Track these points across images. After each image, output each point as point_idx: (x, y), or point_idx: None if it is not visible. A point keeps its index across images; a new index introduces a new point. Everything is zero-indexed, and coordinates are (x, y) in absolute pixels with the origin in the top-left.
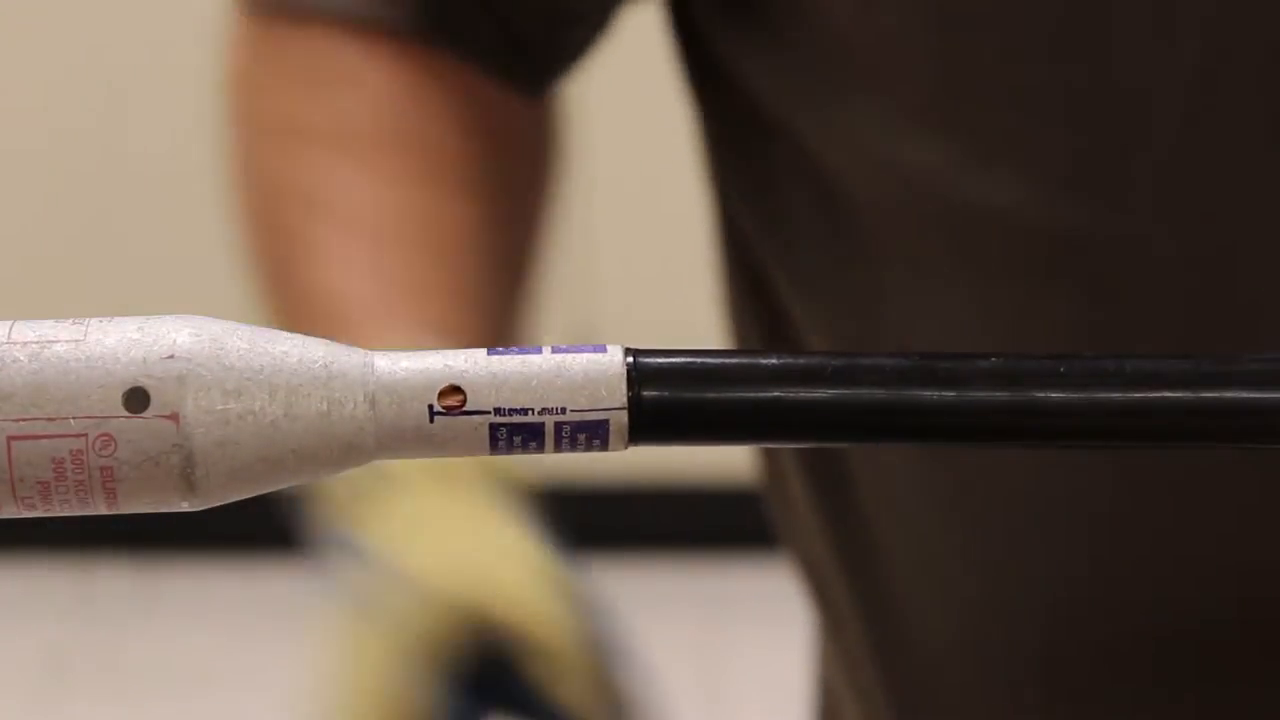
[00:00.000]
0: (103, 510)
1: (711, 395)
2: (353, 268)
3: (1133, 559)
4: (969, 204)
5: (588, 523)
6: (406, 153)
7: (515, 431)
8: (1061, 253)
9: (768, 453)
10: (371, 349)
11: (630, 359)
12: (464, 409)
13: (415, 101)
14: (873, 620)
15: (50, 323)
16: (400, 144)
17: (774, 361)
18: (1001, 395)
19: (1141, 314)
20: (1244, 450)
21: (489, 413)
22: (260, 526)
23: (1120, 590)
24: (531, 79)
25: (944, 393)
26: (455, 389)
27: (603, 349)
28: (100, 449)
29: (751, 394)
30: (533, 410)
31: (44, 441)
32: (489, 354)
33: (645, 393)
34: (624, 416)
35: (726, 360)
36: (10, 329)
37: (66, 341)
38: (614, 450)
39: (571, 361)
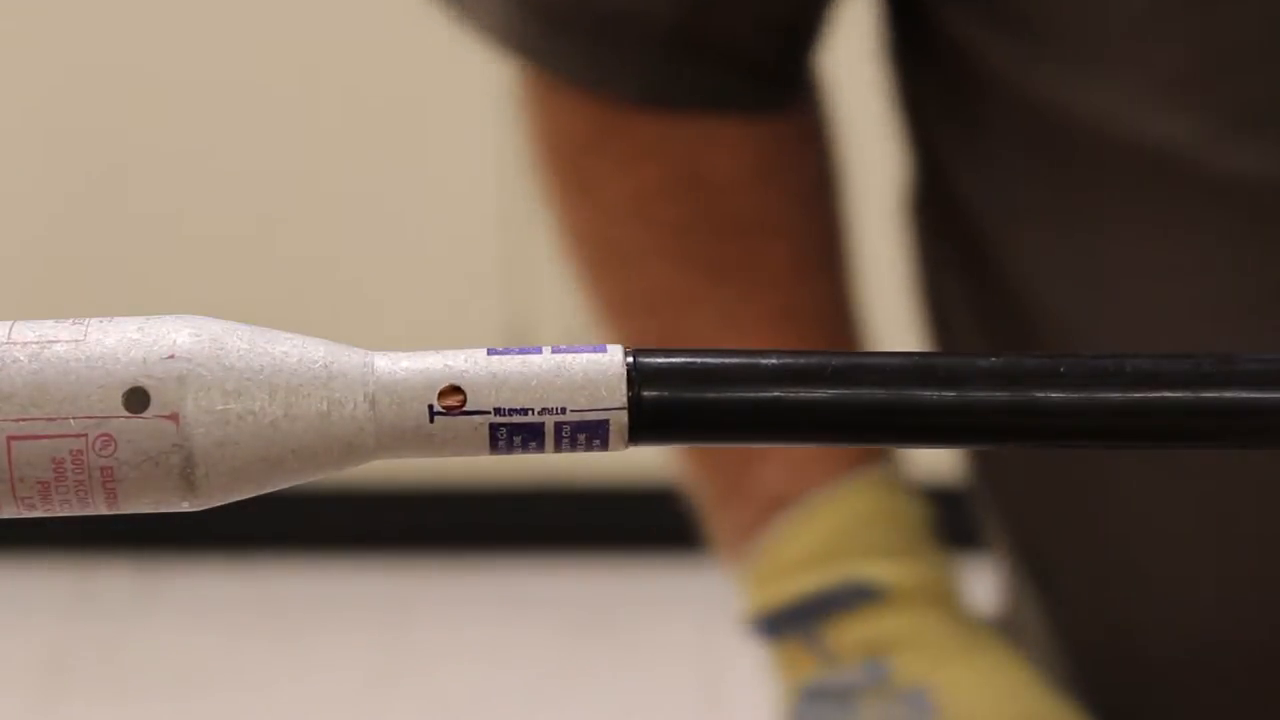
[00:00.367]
0: (103, 510)
1: (711, 395)
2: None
3: None
4: (1216, 173)
5: (588, 523)
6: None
7: (515, 431)
8: None
9: (984, 455)
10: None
11: (630, 359)
12: (464, 409)
13: (764, 183)
14: (1103, 616)
15: (50, 323)
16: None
17: (774, 361)
18: (1001, 395)
19: None
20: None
21: (489, 413)
22: (260, 526)
23: None
24: (790, 92)
25: (944, 393)
26: (455, 389)
27: (603, 349)
28: (100, 449)
29: (751, 394)
30: (533, 410)
31: (44, 441)
32: (489, 354)
33: (645, 393)
34: (624, 416)
35: (726, 360)
36: (10, 329)
37: (66, 341)
38: (614, 450)
39: (571, 361)
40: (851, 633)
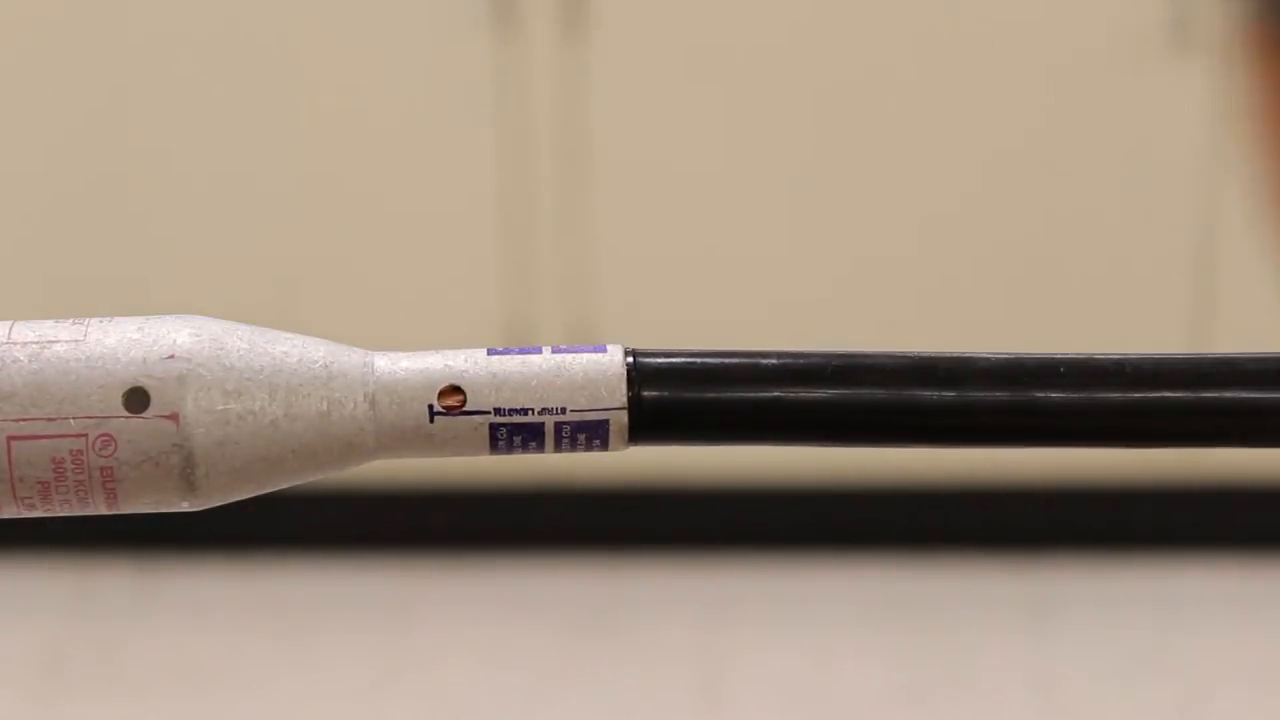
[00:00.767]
0: (103, 510)
1: (711, 395)
2: None
3: None
4: None
5: (588, 523)
6: None
7: (515, 431)
8: None
9: None
10: None
11: (630, 359)
12: (464, 409)
13: None
14: None
15: (50, 323)
16: None
17: (774, 362)
18: (1001, 395)
19: None
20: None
21: (489, 413)
22: (260, 526)
23: None
24: None
25: (944, 393)
26: (455, 389)
27: (603, 349)
28: (100, 449)
29: (751, 394)
30: (533, 410)
31: (44, 441)
32: (489, 354)
33: (645, 393)
34: (624, 416)
35: (726, 360)
36: (10, 329)
37: (66, 341)
38: (614, 450)
39: (571, 361)
40: None
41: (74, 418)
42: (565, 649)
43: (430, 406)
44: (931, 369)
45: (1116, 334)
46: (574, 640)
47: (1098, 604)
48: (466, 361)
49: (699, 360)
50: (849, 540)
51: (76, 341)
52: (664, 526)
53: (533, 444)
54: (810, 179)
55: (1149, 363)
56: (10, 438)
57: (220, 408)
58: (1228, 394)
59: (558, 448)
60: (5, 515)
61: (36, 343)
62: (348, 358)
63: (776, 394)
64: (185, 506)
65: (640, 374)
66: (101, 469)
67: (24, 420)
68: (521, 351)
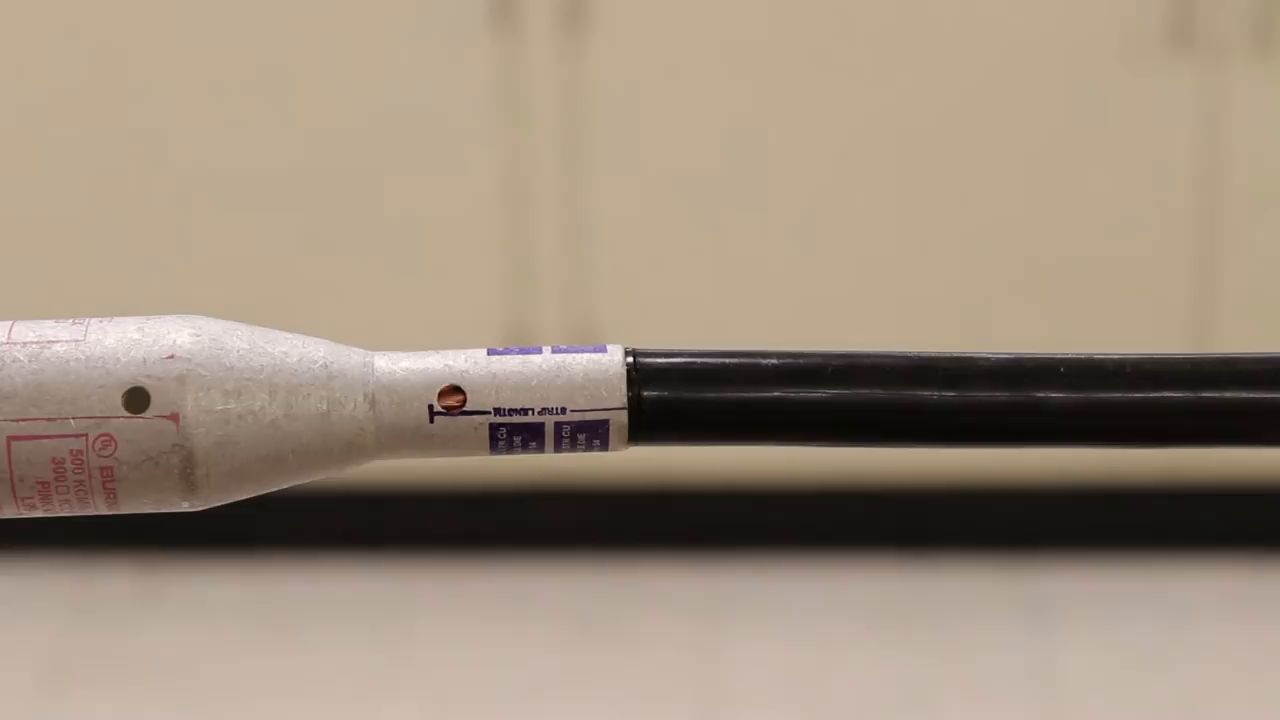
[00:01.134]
0: (103, 510)
1: (711, 395)
2: None
3: None
4: None
5: (588, 523)
6: None
7: (515, 431)
8: None
9: None
10: None
11: (630, 359)
12: (464, 409)
13: None
14: None
15: (50, 323)
16: None
17: (774, 362)
18: (1001, 395)
19: None
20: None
21: (489, 413)
22: (260, 526)
23: None
24: None
25: (944, 393)
26: (455, 389)
27: (603, 349)
28: (100, 449)
29: (751, 394)
30: (533, 410)
31: (44, 441)
32: (489, 354)
33: (645, 393)
34: (624, 416)
35: (726, 360)
36: (10, 329)
37: (66, 341)
38: (614, 450)
39: (571, 361)
40: None
41: (74, 418)
42: (565, 649)
43: (430, 406)
44: (931, 369)
45: (1116, 334)
46: (574, 640)
47: (1098, 604)
48: (466, 361)
49: (699, 360)
50: (849, 540)
51: (76, 341)
52: (664, 526)
53: (533, 444)
54: (810, 179)
55: (1149, 363)
56: (10, 438)
57: (220, 408)
58: (1228, 394)
59: (558, 448)
60: (5, 515)
61: (36, 343)
62: (348, 358)
63: (776, 394)
64: (185, 506)
65: (640, 374)
66: (101, 469)
67: (24, 420)
68: (521, 351)
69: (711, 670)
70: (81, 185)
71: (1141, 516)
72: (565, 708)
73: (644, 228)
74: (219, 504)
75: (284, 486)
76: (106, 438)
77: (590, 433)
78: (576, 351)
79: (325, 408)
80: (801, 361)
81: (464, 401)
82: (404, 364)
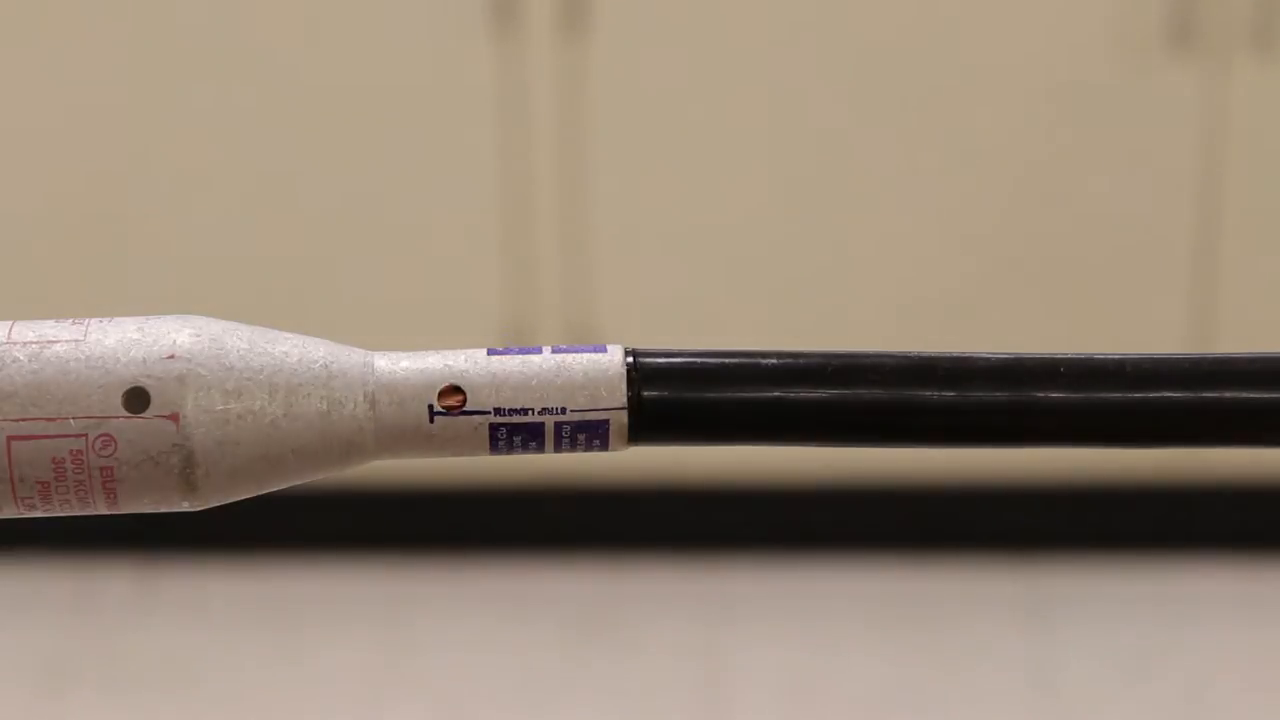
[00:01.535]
0: (103, 510)
1: (711, 395)
2: None
3: None
4: None
5: (588, 523)
6: None
7: (515, 431)
8: None
9: None
10: None
11: (630, 359)
12: (464, 409)
13: None
14: None
15: (50, 323)
16: None
17: (774, 362)
18: (1001, 395)
19: None
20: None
21: (489, 413)
22: (260, 526)
23: None
24: None
25: (944, 393)
26: (455, 389)
27: (603, 349)
28: (100, 449)
29: (751, 394)
30: (533, 410)
31: (44, 441)
32: (489, 354)
33: (645, 393)
34: (624, 416)
35: (726, 360)
36: (10, 329)
37: (66, 341)
38: (614, 450)
39: (572, 361)
40: None
41: (74, 418)
42: (565, 649)
43: (430, 406)
44: (931, 369)
45: (1116, 334)
46: (574, 640)
47: (1098, 604)
48: (466, 361)
49: (699, 360)
50: (849, 540)
51: (76, 341)
52: (664, 526)
53: (533, 444)
54: (811, 179)
55: (1149, 363)
56: (10, 438)
57: (220, 408)
58: (1228, 394)
59: (558, 448)
60: (5, 515)
61: (36, 343)
62: (348, 357)
63: (776, 394)
64: (185, 506)
65: (640, 374)
66: (101, 469)
67: (24, 420)
68: (521, 351)
69: (711, 670)
70: (81, 185)
71: (1141, 516)
72: (565, 708)
73: (644, 228)
74: (219, 504)
75: (284, 486)
76: (106, 438)
77: (590, 433)
78: (576, 351)
79: (325, 408)
80: (801, 361)
81: (464, 401)
82: (404, 364)
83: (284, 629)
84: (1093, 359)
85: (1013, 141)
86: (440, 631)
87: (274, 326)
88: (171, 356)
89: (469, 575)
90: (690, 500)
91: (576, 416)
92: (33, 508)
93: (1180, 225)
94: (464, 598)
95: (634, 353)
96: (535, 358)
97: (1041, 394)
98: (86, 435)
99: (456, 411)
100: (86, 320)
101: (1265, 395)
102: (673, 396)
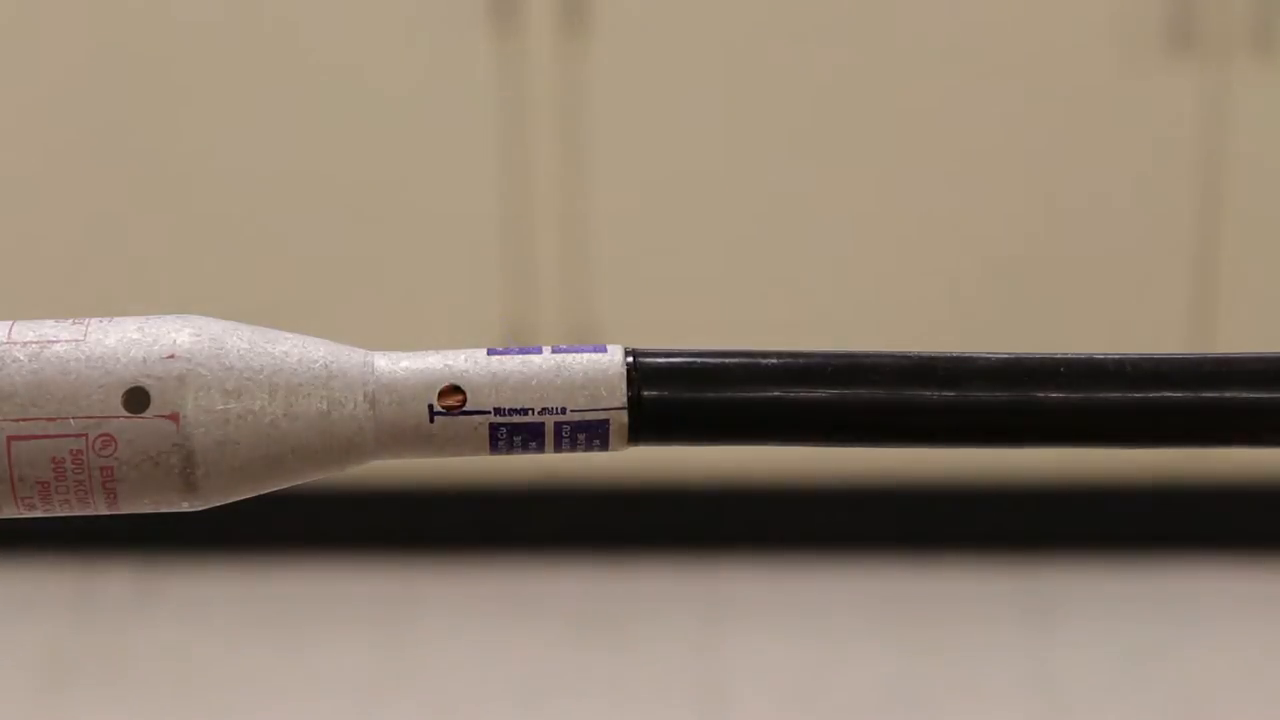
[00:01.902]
0: (103, 510)
1: (711, 395)
2: None
3: None
4: None
5: (588, 523)
6: None
7: (515, 431)
8: None
9: None
10: None
11: (630, 359)
12: (464, 409)
13: None
14: None
15: (50, 323)
16: None
17: (774, 362)
18: (1001, 395)
19: None
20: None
21: (489, 413)
22: (260, 526)
23: None
24: None
25: (944, 393)
26: (455, 389)
27: (603, 349)
28: (100, 449)
29: (751, 394)
30: (533, 410)
31: (44, 441)
32: (489, 354)
33: (645, 393)
34: (624, 416)
35: (726, 360)
36: (10, 329)
37: (66, 341)
38: (614, 450)
39: (571, 361)
40: None
41: (74, 418)
42: (565, 649)
43: (430, 406)
44: (931, 369)
45: (1116, 334)
46: (574, 640)
47: (1098, 604)
48: (466, 361)
49: (699, 360)
50: (849, 540)
51: (76, 341)
52: (664, 526)
53: (533, 444)
54: (810, 179)
55: (1149, 363)
56: (10, 438)
57: (220, 407)
58: (1228, 394)
59: (558, 448)
60: (5, 515)
61: (36, 343)
62: (348, 357)
63: (776, 394)
64: (185, 506)
65: (640, 374)
66: (101, 469)
67: (24, 420)
68: (521, 351)
69: (711, 669)
70: (82, 185)
71: (1141, 516)
72: (565, 708)
73: (644, 228)
74: (219, 504)
75: (284, 486)
76: (106, 438)
77: (590, 433)
78: (576, 351)
79: (325, 407)
80: (801, 361)
81: (464, 401)
82: (404, 364)
83: (284, 629)
84: (1093, 359)
85: (1013, 142)
86: (440, 631)
87: (274, 326)
88: (171, 356)
89: (469, 575)
90: (690, 500)
91: (576, 416)
92: (33, 508)
93: (1180, 225)
94: (464, 598)
95: (634, 353)
96: (535, 358)
97: (1041, 394)
98: (86, 435)
99: (457, 411)
100: (86, 320)
101: (1265, 395)
102: (673, 396)
